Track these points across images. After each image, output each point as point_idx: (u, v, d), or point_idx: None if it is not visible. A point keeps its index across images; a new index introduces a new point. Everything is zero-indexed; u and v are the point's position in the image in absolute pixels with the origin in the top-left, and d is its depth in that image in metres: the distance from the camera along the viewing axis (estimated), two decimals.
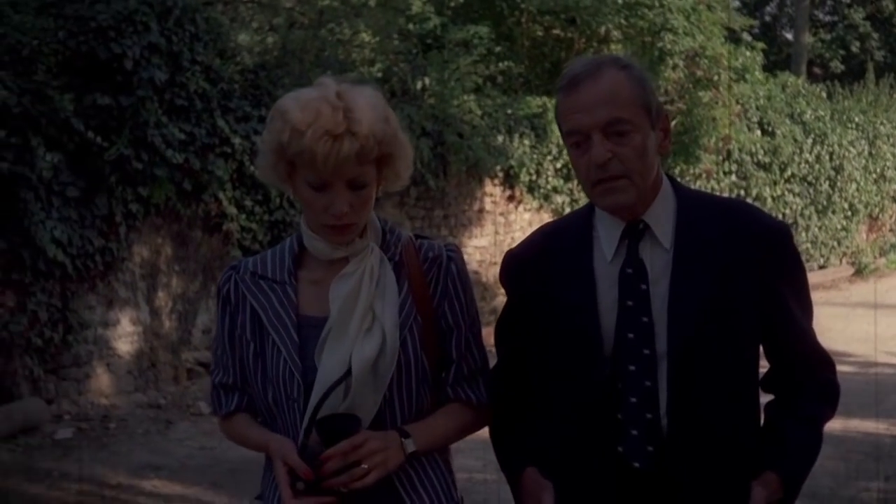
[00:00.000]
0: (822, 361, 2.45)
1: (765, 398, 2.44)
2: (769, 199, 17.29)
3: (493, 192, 12.45)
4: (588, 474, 2.33)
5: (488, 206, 12.43)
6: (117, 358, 8.96)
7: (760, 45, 16.57)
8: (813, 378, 2.43)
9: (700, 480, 2.27)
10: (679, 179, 2.55)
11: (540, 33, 14.52)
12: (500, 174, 12.33)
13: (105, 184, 8.49)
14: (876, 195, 20.53)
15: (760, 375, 2.43)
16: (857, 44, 32.21)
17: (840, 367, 2.53)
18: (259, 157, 2.30)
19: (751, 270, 2.29)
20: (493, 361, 2.54)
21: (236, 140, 9.29)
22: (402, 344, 2.31)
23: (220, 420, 2.50)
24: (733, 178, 16.43)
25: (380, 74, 11.03)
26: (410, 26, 12.87)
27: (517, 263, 2.48)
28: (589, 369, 2.31)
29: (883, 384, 9.76)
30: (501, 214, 12.60)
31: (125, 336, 9.03)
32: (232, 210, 9.44)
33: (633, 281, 2.30)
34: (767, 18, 34.71)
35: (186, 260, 9.49)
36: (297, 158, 2.21)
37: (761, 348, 2.41)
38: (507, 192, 12.64)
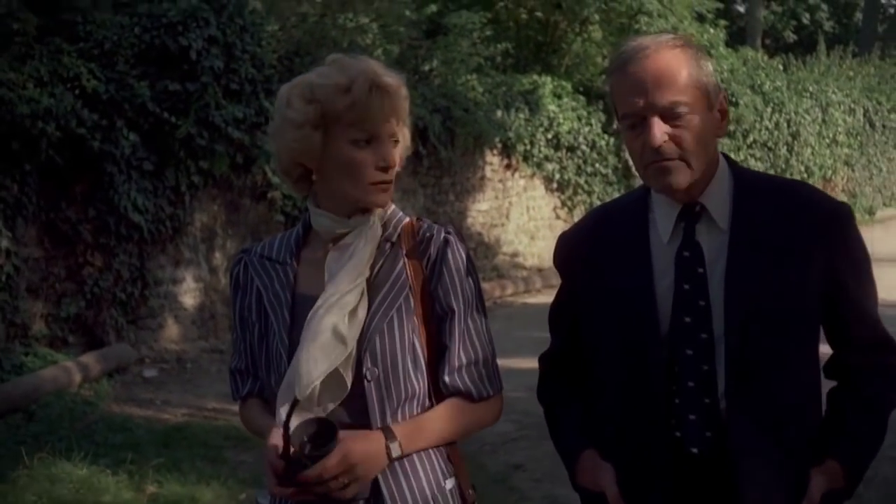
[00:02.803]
0: (887, 346, 2.35)
1: (828, 385, 2.38)
2: None
3: (492, 161, 13.86)
4: (645, 459, 2.27)
5: (489, 173, 13.84)
6: (183, 310, 10.28)
7: (723, 22, 18.05)
8: (876, 363, 2.33)
9: (758, 465, 2.21)
10: None
11: (525, 16, 15.89)
12: (499, 145, 13.73)
13: (174, 158, 9.77)
14: (829, 159, 22.01)
15: (823, 361, 2.36)
16: (808, 15, 33.72)
17: None
18: (287, 135, 2.26)
19: (810, 252, 2.22)
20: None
21: None
22: (388, 324, 2.25)
23: (238, 405, 2.48)
24: None
25: (395, 57, 12.35)
26: (407, 12, 14.20)
27: (570, 247, 2.44)
28: (645, 353, 2.25)
29: None
30: (500, 181, 14.03)
31: (189, 291, 10.35)
32: (276, 180, 10.73)
33: (689, 264, 2.24)
34: None
35: (237, 224, 10.80)
36: (343, 117, 2.20)
37: (823, 333, 2.34)
38: (505, 161, 14.05)
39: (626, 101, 2.19)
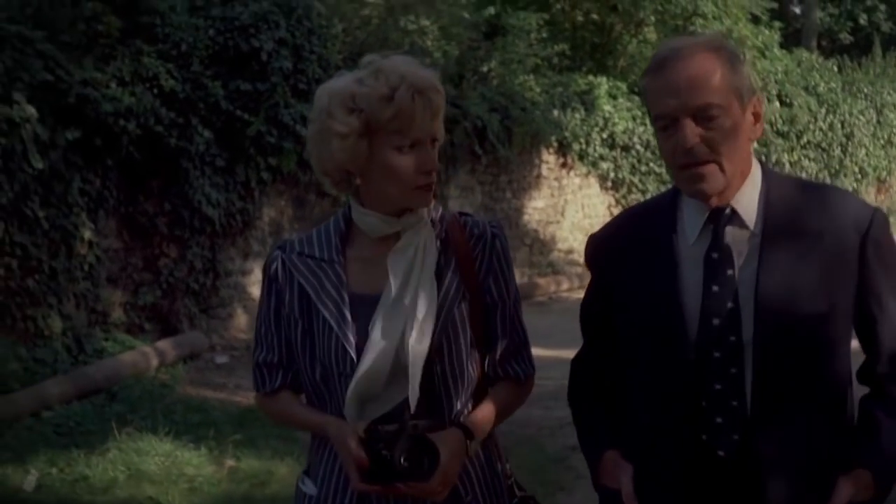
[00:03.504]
0: None
1: (862, 391, 2.35)
2: (787, 165, 18.96)
3: (548, 159, 14.19)
4: (670, 461, 2.26)
5: (545, 172, 14.17)
6: (251, 301, 10.71)
7: (777, 24, 18.22)
8: None
9: (785, 470, 2.19)
10: None
11: (581, 18, 16.20)
12: (555, 144, 14.06)
13: (244, 155, 10.22)
14: (884, 160, 22.05)
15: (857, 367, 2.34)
16: (865, 16, 33.56)
17: None
18: (332, 145, 2.28)
19: (842, 257, 2.20)
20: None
21: None
22: (451, 320, 2.32)
23: (262, 397, 2.49)
24: (755, 144, 18.08)
25: (455, 58, 12.73)
26: (466, 14, 14.56)
27: (600, 246, 2.44)
28: (672, 355, 2.24)
29: None
30: (556, 179, 14.36)
31: (257, 283, 10.75)
32: None
33: (718, 266, 2.22)
34: None
35: (303, 219, 11.23)
36: (387, 125, 2.23)
37: (856, 339, 2.31)
38: (561, 160, 14.38)
39: (659, 102, 2.20)
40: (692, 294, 2.23)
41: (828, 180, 20.36)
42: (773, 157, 18.50)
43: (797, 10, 33.66)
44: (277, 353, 2.43)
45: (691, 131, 2.15)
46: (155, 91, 9.26)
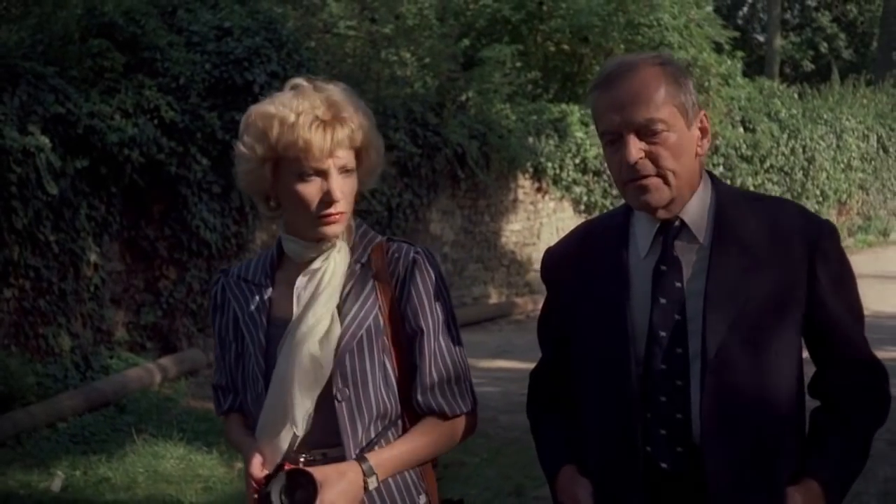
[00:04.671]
0: (872, 368, 2.32)
1: (813, 403, 2.35)
2: (751, 188, 19.68)
3: (524, 184, 14.82)
4: (618, 473, 2.26)
5: (521, 196, 14.80)
6: None
7: (740, 53, 19.00)
8: (860, 385, 2.30)
9: (730, 484, 2.17)
10: None
11: (552, 49, 16.89)
12: (531, 169, 14.68)
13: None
14: (844, 183, 22.71)
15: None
16: (825, 45, 34.54)
17: None
18: (240, 167, 2.29)
19: (792, 270, 2.20)
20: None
21: None
22: (358, 345, 2.26)
23: (222, 419, 2.53)
24: (721, 169, 18.83)
25: (434, 88, 13.36)
26: (444, 47, 15.18)
27: (555, 259, 2.45)
28: (619, 367, 2.24)
29: None
30: (531, 203, 14.99)
31: None
32: None
33: (667, 278, 2.22)
34: (740, 22, 36.71)
35: None
36: (287, 152, 2.21)
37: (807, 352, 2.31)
38: (536, 185, 15.00)
39: (604, 117, 2.20)
40: (641, 307, 2.23)
41: None
42: (738, 181, 19.19)
43: (761, 38, 34.56)
44: (226, 377, 2.44)
45: (635, 147, 2.15)
46: (156, 122, 9.78)
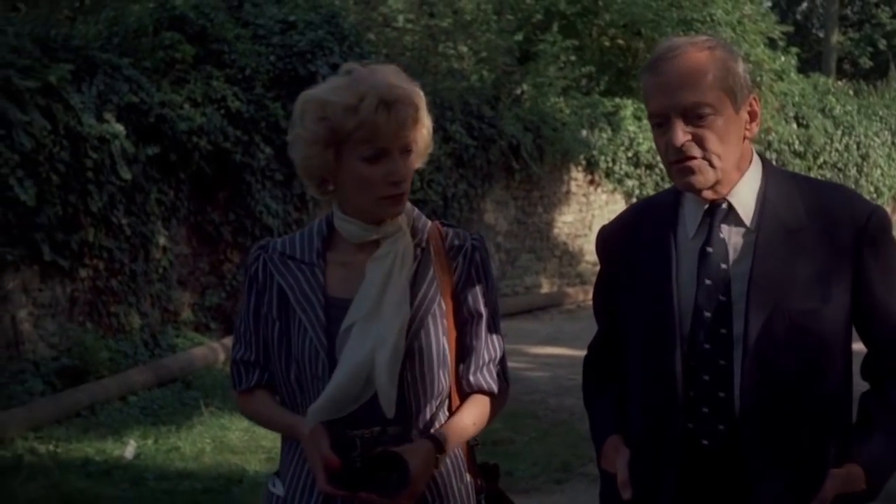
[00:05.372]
0: None
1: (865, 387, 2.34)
2: None
3: (577, 176, 15.13)
4: (657, 446, 2.29)
5: (574, 188, 15.10)
6: None
7: (795, 49, 19.12)
8: None
9: (770, 463, 2.20)
10: None
11: (607, 44, 17.13)
12: (584, 162, 14.99)
13: None
14: None
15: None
16: (884, 42, 34.22)
17: None
18: (301, 153, 2.31)
19: (838, 253, 2.20)
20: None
21: None
22: (425, 328, 2.32)
23: (239, 394, 2.47)
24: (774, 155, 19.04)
25: (491, 81, 13.70)
26: (500, 41, 15.49)
27: (607, 237, 2.48)
28: (664, 344, 2.27)
29: None
30: (584, 195, 15.29)
31: None
32: None
33: (712, 260, 2.24)
34: (799, 17, 36.53)
35: None
36: (352, 135, 2.24)
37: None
38: (589, 177, 15.31)
39: (652, 100, 2.23)
40: (686, 287, 2.26)
41: None
42: None
43: (820, 35, 34.31)
44: (255, 352, 2.41)
45: (682, 130, 2.17)
46: (223, 112, 10.21)
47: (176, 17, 10.22)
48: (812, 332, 2.20)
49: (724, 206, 2.26)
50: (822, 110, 20.26)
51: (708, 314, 2.23)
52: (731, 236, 2.26)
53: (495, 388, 2.41)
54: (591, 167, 15.14)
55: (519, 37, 15.37)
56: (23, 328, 8.34)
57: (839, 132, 20.64)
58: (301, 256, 2.37)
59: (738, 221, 2.26)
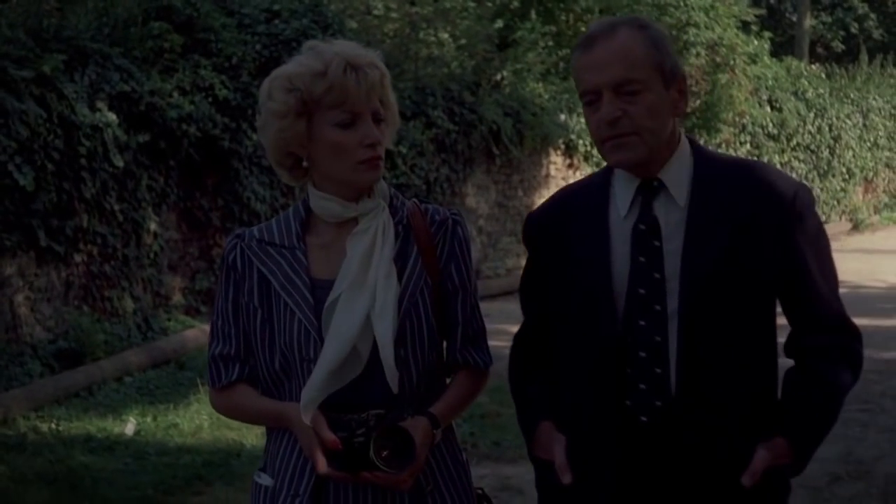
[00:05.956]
0: (845, 328, 2.34)
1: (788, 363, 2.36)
2: (778, 165, 20.13)
3: (556, 160, 15.42)
4: (596, 427, 2.30)
5: (553, 171, 15.40)
6: None
7: (768, 33, 19.47)
8: (832, 343, 2.32)
9: (706, 438, 2.23)
10: None
11: (584, 29, 17.36)
12: (563, 146, 15.29)
13: None
14: (870, 161, 23.19)
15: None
16: (856, 25, 34.59)
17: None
18: (272, 127, 2.28)
19: (767, 230, 2.24)
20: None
21: None
22: (414, 305, 2.30)
23: (216, 392, 2.40)
24: (748, 147, 19.33)
25: (471, 68, 13.97)
26: (480, 28, 15.73)
27: (536, 223, 2.48)
28: (600, 323, 2.28)
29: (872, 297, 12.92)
30: (563, 178, 15.55)
31: None
32: None
33: (645, 237, 2.26)
34: (772, 1, 36.72)
35: None
36: (323, 100, 2.22)
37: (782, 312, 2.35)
38: (568, 161, 15.61)
39: (583, 78, 2.25)
40: (621, 265, 2.27)
41: (817, 180, 21.56)
42: (765, 159, 19.68)
43: (793, 18, 34.59)
44: (234, 346, 2.35)
45: (613, 105, 2.19)
46: (210, 99, 10.41)
47: (163, 7, 10.41)
48: (742, 307, 2.24)
49: (656, 184, 2.29)
50: (795, 93, 20.63)
51: (643, 291, 2.26)
52: (663, 214, 2.28)
53: (481, 364, 2.42)
54: (569, 151, 15.44)
55: (499, 24, 15.61)
56: (20, 312, 8.56)
57: (812, 115, 21.02)
58: (280, 241, 2.34)
59: (670, 199, 2.28)
